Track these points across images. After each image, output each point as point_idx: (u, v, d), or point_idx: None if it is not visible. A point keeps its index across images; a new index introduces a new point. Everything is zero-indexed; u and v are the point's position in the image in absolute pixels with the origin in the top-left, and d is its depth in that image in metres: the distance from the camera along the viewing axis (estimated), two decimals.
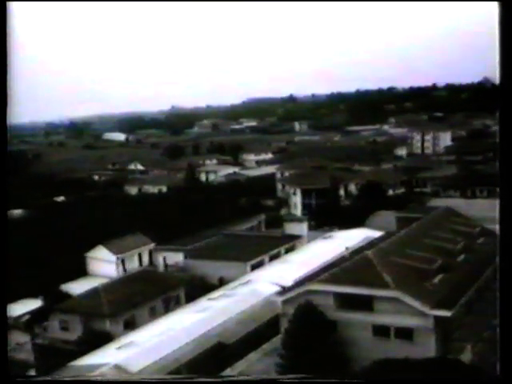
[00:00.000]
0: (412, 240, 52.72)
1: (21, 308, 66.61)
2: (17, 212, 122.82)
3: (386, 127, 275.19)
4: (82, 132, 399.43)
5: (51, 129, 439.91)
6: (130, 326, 59.30)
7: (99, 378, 21.34)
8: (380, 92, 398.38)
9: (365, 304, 42.56)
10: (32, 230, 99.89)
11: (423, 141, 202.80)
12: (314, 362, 39.47)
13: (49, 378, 7.47)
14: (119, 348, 49.49)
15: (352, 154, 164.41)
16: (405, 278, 43.98)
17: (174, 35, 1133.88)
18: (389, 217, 78.98)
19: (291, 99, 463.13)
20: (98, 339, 54.33)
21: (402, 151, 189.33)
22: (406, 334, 41.17)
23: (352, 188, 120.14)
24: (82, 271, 79.21)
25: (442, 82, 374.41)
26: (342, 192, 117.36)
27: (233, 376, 41.92)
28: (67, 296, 67.37)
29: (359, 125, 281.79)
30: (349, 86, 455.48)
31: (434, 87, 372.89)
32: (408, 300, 40.77)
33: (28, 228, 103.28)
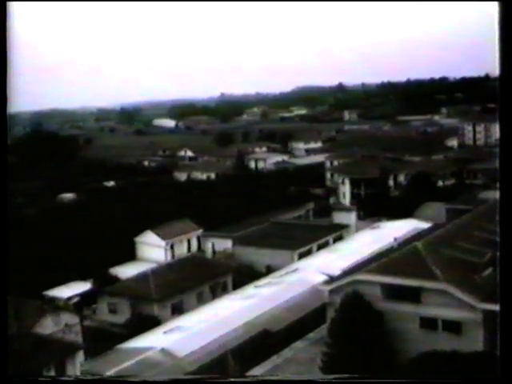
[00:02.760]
0: (462, 232, 52.12)
1: (70, 290, 67.69)
2: (67, 196, 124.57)
3: (436, 118, 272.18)
4: (132, 118, 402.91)
5: (102, 114, 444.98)
6: (178, 310, 59.82)
7: (100, 378, 21.57)
8: (431, 82, 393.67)
9: (412, 295, 42.25)
10: (82, 214, 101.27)
11: (475, 132, 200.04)
12: (360, 352, 39.39)
13: (49, 378, 7.58)
14: (166, 332, 49.96)
15: (402, 144, 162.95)
16: (454, 270, 43.57)
17: (224, 22, 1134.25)
18: (438, 208, 78.29)
19: (340, 88, 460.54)
20: (145, 323, 54.90)
21: (453, 142, 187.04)
22: (453, 326, 40.79)
23: (401, 178, 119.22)
24: (130, 255, 79.99)
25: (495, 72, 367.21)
26: (391, 182, 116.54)
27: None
28: (116, 279, 68.07)
29: (410, 115, 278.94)
30: (399, 76, 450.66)
31: (487, 77, 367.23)
32: (457, 293, 40.39)
33: (78, 212, 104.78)
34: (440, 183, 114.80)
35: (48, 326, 49.38)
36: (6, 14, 8.41)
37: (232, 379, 7.20)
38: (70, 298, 65.77)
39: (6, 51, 8.43)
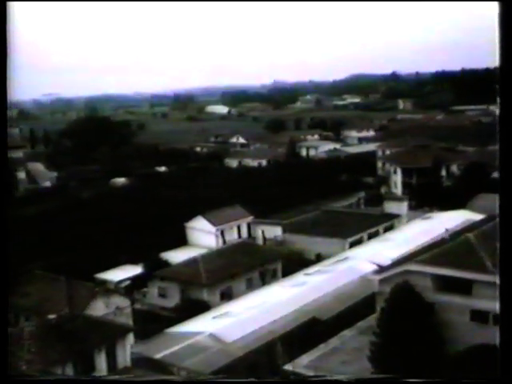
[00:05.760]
0: None
1: (122, 274, 68.46)
2: (120, 180, 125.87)
3: (492, 108, 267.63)
4: (185, 104, 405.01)
5: (156, 100, 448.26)
6: (227, 296, 60.14)
7: (100, 378, 21.77)
8: (487, 71, 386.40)
9: (463, 288, 41.78)
10: (134, 199, 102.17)
11: None
12: (409, 342, 39.16)
13: (48, 378, 7.64)
14: (215, 317, 50.31)
15: (456, 133, 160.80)
16: None
17: (280, 11, 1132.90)
18: (492, 200, 77.06)
19: (394, 76, 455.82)
20: (194, 308, 55.34)
21: None
22: None
23: (454, 169, 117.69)
24: (182, 241, 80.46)
25: None
26: (443, 172, 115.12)
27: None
28: (167, 264, 68.59)
29: (464, 104, 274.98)
30: (453, 65, 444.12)
31: None
32: None
33: (130, 196, 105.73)
34: (494, 174, 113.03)
35: (99, 309, 50.12)
36: (6, 14, 8.47)
37: (235, 380, 7.20)
38: (121, 282, 66.56)
39: (6, 51, 8.49)
